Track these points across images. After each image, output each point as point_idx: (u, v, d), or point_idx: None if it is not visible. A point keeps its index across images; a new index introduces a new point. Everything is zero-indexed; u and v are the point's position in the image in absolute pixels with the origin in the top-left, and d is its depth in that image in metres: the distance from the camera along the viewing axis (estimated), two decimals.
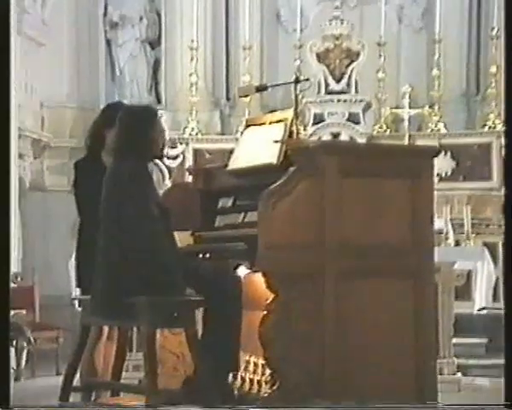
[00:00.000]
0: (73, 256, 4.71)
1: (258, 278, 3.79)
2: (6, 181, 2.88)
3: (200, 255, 4.35)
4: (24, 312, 7.62)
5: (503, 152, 9.71)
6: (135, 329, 5.33)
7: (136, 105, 4.29)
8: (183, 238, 4.33)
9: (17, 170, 8.63)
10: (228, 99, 10.82)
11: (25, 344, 7.06)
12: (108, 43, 10.58)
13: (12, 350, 6.99)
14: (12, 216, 7.80)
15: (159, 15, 10.69)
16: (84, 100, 10.27)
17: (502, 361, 7.95)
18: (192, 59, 10.28)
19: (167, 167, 9.87)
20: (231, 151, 4.45)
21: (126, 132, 3.88)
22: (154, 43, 10.75)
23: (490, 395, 5.83)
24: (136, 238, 3.77)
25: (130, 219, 3.77)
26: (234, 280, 3.95)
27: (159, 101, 10.72)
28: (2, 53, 2.85)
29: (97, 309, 3.90)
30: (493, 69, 9.78)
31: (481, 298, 8.53)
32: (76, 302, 4.54)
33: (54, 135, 9.98)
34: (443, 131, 9.98)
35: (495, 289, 8.91)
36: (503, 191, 9.71)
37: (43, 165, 10.02)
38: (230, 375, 4.02)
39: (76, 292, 4.84)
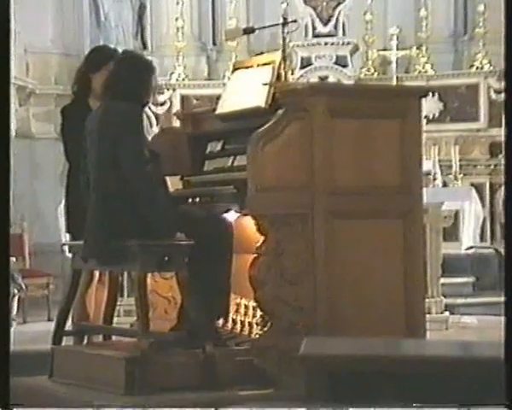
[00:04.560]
0: (62, 203, 4.71)
1: (248, 222, 3.82)
2: (6, 131, 2.86)
3: (190, 200, 4.36)
4: (14, 259, 7.63)
5: (490, 92, 9.71)
6: (126, 274, 5.37)
7: (134, 51, 4.31)
8: (172, 183, 4.34)
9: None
10: (214, 44, 10.73)
11: (16, 291, 7.08)
12: None
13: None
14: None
15: None
16: (68, 46, 10.15)
17: (488, 299, 8.08)
18: (178, 3, 10.17)
19: (154, 114, 9.81)
20: (219, 97, 4.43)
21: (124, 74, 3.90)
22: None
23: (477, 332, 5.92)
24: (128, 180, 3.77)
25: (124, 160, 3.77)
26: (225, 223, 3.96)
27: (144, 46, 10.62)
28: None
29: (89, 253, 3.92)
30: (481, 8, 9.72)
31: (469, 238, 8.61)
32: (66, 248, 4.55)
33: (39, 82, 9.88)
34: (430, 72, 9.95)
35: (482, 228, 8.99)
36: (490, 132, 9.79)
37: (28, 112, 9.94)
38: (221, 317, 4.07)
39: (66, 238, 4.85)
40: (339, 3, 10.11)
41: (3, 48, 2.88)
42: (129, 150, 3.78)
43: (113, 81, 3.94)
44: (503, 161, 9.36)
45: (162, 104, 9.97)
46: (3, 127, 2.83)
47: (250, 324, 4.07)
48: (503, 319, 2.52)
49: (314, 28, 10.16)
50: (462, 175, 9.03)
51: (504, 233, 2.52)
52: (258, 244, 3.70)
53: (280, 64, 4.06)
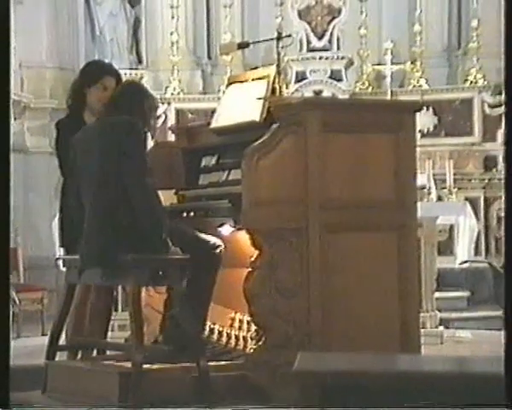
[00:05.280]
0: (57, 216, 4.70)
1: (243, 236, 3.81)
2: (6, 147, 2.85)
3: (184, 214, 4.36)
4: None
5: (484, 107, 9.75)
6: (120, 288, 5.36)
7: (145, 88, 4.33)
8: (166, 197, 4.33)
9: None
10: (209, 58, 10.75)
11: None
12: (87, 1, 10.45)
13: None
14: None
15: None
16: (63, 60, 10.16)
17: (483, 313, 8.06)
18: (172, 17, 10.19)
19: None
20: (213, 110, 4.44)
21: (129, 94, 3.95)
22: (134, 1, 10.63)
23: (471, 347, 5.92)
24: (131, 193, 3.76)
25: (128, 174, 3.76)
26: (212, 245, 3.94)
27: (140, 60, 10.64)
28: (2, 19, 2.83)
29: (84, 268, 3.90)
30: (474, 23, 9.77)
31: (463, 252, 8.62)
32: (60, 262, 4.54)
33: (34, 96, 9.89)
34: (425, 86, 9.98)
35: (477, 243, 9.00)
36: (484, 146, 9.81)
37: (23, 126, 9.93)
38: (209, 330, 4.06)
39: (60, 252, 4.84)
40: (333, 18, 10.15)
41: (3, 62, 2.88)
42: (133, 164, 3.78)
43: (116, 98, 3.96)
44: (497, 175, 9.42)
45: (157, 118, 9.98)
46: (3, 143, 2.83)
47: (244, 338, 4.06)
48: (502, 332, 2.51)
49: (309, 43, 10.20)
50: (456, 189, 9.04)
51: (504, 247, 2.52)
52: (253, 258, 3.70)
53: (274, 78, 4.07)
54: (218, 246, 3.95)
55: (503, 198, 2.59)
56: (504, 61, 2.53)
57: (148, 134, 4.05)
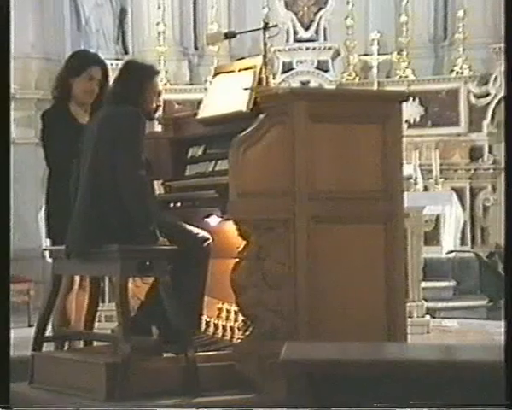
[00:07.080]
0: (43, 208, 4.69)
1: (230, 226, 3.81)
2: (6, 138, 2.85)
3: (171, 205, 4.35)
4: None
5: (470, 97, 9.78)
6: (107, 279, 5.35)
7: (140, 61, 4.31)
8: None
9: None
10: (196, 48, 10.73)
11: None
12: None
13: None
14: None
15: None
16: (49, 51, 10.11)
17: (468, 303, 8.11)
18: (159, 7, 10.15)
19: None
20: (200, 101, 4.43)
21: (123, 81, 3.92)
22: None
23: (457, 335, 5.96)
24: (121, 183, 3.76)
25: (120, 163, 3.76)
26: (201, 238, 3.93)
27: (126, 51, 10.59)
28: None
29: (71, 258, 3.89)
30: (460, 14, 9.78)
31: (449, 242, 8.66)
32: (47, 254, 4.53)
33: (19, 86, 9.83)
34: (411, 77, 10.00)
35: (463, 233, 9.04)
36: (470, 136, 9.84)
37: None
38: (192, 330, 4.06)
39: (46, 243, 4.83)
40: (320, 8, 10.14)
41: (2, 54, 2.86)
42: (126, 153, 3.78)
43: (113, 88, 3.96)
44: (483, 166, 9.45)
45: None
46: (3, 134, 2.82)
47: (232, 328, 4.07)
48: (502, 322, 2.54)
49: (295, 33, 10.20)
50: (442, 179, 9.08)
51: (504, 238, 2.54)
52: (240, 249, 3.70)
53: (261, 69, 4.07)
54: (207, 239, 3.95)
55: (503, 187, 2.61)
56: (504, 45, 2.53)
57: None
